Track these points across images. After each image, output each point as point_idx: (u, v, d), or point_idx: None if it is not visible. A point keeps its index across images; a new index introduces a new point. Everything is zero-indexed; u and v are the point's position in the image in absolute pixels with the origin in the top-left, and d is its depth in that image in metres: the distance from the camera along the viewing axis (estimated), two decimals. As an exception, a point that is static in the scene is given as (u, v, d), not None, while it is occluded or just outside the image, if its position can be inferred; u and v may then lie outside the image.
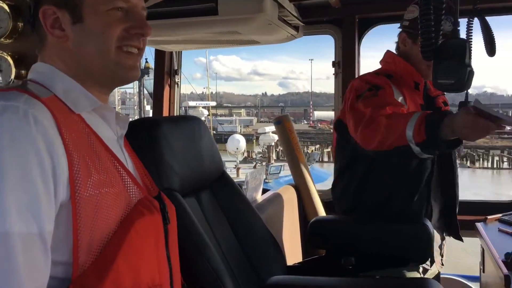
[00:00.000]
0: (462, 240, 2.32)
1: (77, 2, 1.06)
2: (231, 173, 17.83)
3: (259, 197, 2.87)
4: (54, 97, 1.03)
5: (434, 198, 2.20)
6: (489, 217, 2.44)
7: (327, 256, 1.97)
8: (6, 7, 2.05)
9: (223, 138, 30.48)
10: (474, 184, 26.02)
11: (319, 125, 60.25)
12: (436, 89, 2.23)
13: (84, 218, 0.94)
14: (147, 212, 1.06)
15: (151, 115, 4.75)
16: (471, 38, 1.84)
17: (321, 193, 3.38)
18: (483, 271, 2.52)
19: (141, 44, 1.15)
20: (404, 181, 2.11)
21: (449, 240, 2.42)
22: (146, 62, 17.66)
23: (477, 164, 38.32)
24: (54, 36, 1.08)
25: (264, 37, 2.93)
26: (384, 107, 1.89)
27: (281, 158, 25.69)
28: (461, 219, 2.37)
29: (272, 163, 21.21)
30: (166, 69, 3.66)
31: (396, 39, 2.30)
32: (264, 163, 21.58)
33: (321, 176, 13.37)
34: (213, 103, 35.16)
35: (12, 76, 2.06)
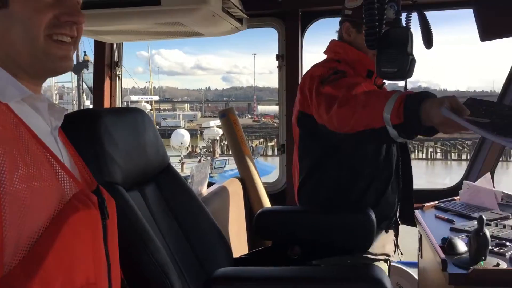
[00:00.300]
0: (416, 226, 2.36)
1: None
2: (176, 168, 17.60)
3: (205, 191, 2.84)
4: None
5: (398, 188, 2.22)
6: (426, 204, 2.55)
7: (273, 247, 1.99)
8: None
9: (166, 133, 30.01)
10: (411, 175, 27.06)
11: (263, 119, 60.65)
12: (379, 78, 2.17)
13: (9, 214, 0.87)
14: (82, 207, 1.01)
15: (91, 109, 4.58)
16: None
17: (267, 185, 3.41)
18: (421, 257, 2.63)
19: (75, 32, 1.08)
20: (378, 174, 2.09)
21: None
22: (85, 55, 17.08)
23: (412, 155, 39.98)
24: None
25: (208, 29, 2.90)
26: (359, 84, 1.81)
27: (226, 153, 25.67)
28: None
29: (217, 158, 21.15)
30: (107, 61, 3.54)
31: (337, 30, 2.25)
32: (209, 158, 21.48)
33: (266, 170, 13.46)
34: (156, 98, 34.57)
35: None
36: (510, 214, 2.58)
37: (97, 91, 3.54)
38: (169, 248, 1.65)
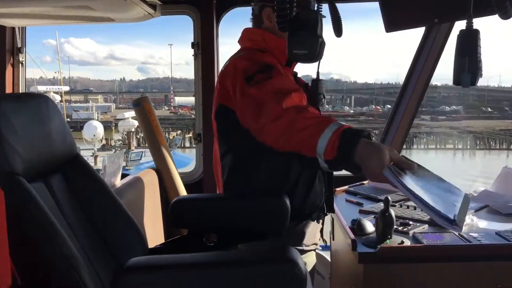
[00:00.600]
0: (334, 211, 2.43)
1: None
2: (89, 162, 16.90)
3: (118, 182, 2.75)
4: None
5: (324, 177, 2.21)
6: (337, 189, 2.65)
7: (189, 235, 1.96)
8: None
9: (78, 125, 28.65)
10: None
11: (180, 110, 59.97)
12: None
13: None
14: None
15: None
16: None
17: (183, 176, 3.37)
18: (333, 239, 2.74)
19: None
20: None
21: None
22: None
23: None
24: None
25: (119, 15, 2.79)
26: (289, 94, 1.76)
27: (143, 145, 25.05)
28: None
29: (132, 150, 20.60)
30: (8, 47, 3.31)
31: (251, 18, 2.17)
32: (124, 150, 20.86)
33: (184, 161, 13.35)
34: (66, 88, 32.76)
35: None
36: (413, 196, 2.76)
37: (-3, 78, 3.28)
38: (78, 241, 1.57)
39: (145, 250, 1.75)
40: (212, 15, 3.27)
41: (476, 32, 1.83)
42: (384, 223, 1.95)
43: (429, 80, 3.33)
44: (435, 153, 39.43)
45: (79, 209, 1.69)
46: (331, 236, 2.78)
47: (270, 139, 1.72)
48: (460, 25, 2.05)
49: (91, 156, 19.67)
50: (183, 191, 3.09)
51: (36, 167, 1.55)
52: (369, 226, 2.14)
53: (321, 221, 2.30)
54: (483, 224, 2.24)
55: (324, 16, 1.91)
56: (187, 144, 35.92)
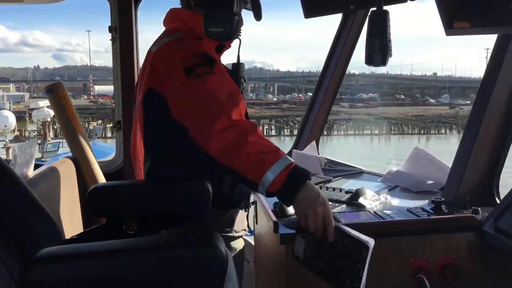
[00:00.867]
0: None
1: None
2: (0, 154, 15.87)
3: (31, 173, 2.59)
4: None
5: None
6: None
7: (108, 224, 1.89)
8: None
9: (-13, 116, 26.69)
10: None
11: (100, 100, 57.83)
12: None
13: None
14: None
15: None
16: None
17: (103, 165, 3.25)
18: (257, 223, 2.77)
19: None
20: None
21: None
22: None
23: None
24: None
25: (27, -6, 2.62)
26: (236, 92, 1.78)
27: (60, 136, 23.84)
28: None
29: (49, 141, 19.55)
30: None
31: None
32: (36, 139, 19.75)
33: (104, 152, 12.87)
34: (-28, 76, 30.34)
35: None
36: (331, 178, 2.86)
37: None
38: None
39: (60, 241, 1.67)
40: (130, -3, 3.16)
41: (386, 13, 1.90)
42: (304, 204, 2.00)
43: (346, 67, 3.44)
44: (354, 138, 41.17)
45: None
46: (255, 220, 2.81)
47: (213, 149, 1.70)
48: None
49: (3, 148, 18.44)
50: (102, 180, 2.97)
51: None
52: (291, 208, 2.18)
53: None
54: (395, 202, 2.38)
55: None
56: (109, 134, 34.74)
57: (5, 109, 30.96)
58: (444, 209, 2.14)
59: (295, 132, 39.21)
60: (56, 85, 3.13)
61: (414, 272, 2.05)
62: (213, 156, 1.71)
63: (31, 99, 49.36)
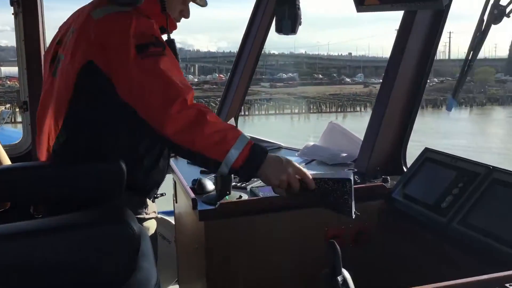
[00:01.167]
0: None
1: None
2: None
3: None
4: None
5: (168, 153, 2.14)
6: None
7: (12, 208, 1.77)
8: None
9: None
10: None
11: (8, 82, 54.03)
12: None
13: None
14: None
15: None
16: None
17: (9, 148, 3.04)
18: (176, 202, 2.75)
19: None
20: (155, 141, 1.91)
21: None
22: None
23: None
24: None
25: None
26: (185, 81, 1.70)
27: (-38, 121, 21.98)
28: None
29: None
30: None
31: None
32: None
33: (13, 136, 12.06)
34: None
35: None
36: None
37: None
38: None
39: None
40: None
41: None
42: (223, 180, 2.01)
43: (262, 45, 3.46)
44: (275, 117, 41.91)
45: None
46: (174, 199, 2.78)
47: (170, 131, 1.62)
48: None
49: None
50: (7, 162, 2.78)
51: None
52: (210, 185, 2.19)
53: None
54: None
55: None
56: (19, 119, 32.64)
57: None
58: (357, 179, 2.23)
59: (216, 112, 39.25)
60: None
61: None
62: (169, 139, 1.64)
63: None
